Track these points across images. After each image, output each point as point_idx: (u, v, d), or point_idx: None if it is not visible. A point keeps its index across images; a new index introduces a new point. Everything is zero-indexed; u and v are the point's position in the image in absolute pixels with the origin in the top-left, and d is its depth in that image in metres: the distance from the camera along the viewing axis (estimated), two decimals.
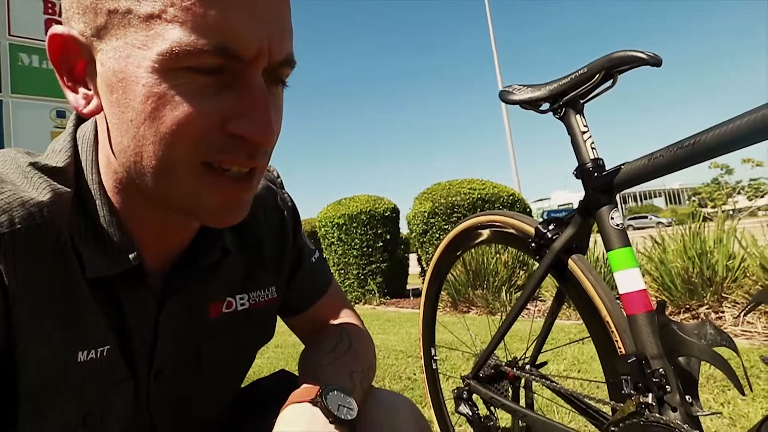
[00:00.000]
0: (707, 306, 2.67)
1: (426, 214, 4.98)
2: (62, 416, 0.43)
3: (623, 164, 0.71)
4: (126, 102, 0.38)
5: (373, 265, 5.43)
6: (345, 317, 0.67)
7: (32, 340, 0.40)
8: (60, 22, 0.41)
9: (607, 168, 0.75)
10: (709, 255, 2.74)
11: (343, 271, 5.59)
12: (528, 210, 5.72)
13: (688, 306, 2.72)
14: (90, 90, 0.41)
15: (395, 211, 5.68)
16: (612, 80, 0.73)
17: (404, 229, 5.84)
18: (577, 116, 0.77)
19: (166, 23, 0.35)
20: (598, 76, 0.72)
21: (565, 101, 0.78)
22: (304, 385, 0.50)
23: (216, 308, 0.54)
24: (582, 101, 0.78)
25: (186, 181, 0.40)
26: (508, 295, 3.81)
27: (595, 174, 0.74)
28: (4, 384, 0.40)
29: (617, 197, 0.76)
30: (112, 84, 0.38)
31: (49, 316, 0.41)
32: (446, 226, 4.86)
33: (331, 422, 0.45)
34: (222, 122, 0.38)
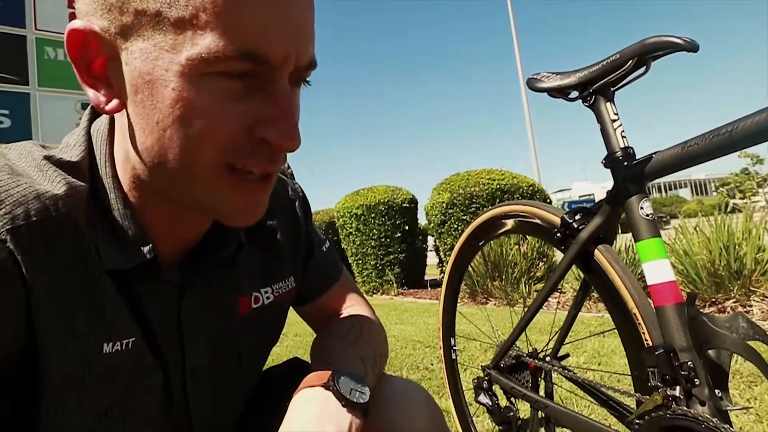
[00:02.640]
0: (734, 299, 2.60)
1: (444, 204, 4.95)
2: (84, 407, 0.44)
3: (655, 153, 0.69)
4: (152, 104, 0.38)
5: (391, 256, 5.44)
6: (356, 305, 0.68)
7: (56, 332, 0.40)
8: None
9: (637, 157, 0.73)
10: (737, 247, 2.66)
11: (361, 262, 5.62)
12: (548, 201, 5.63)
13: (714, 299, 2.66)
14: (112, 87, 0.40)
15: (413, 201, 5.67)
16: (645, 67, 0.71)
17: (422, 220, 5.82)
18: (608, 104, 0.75)
19: (197, 29, 0.35)
20: (630, 62, 0.70)
21: (596, 89, 0.76)
22: (317, 371, 0.51)
23: (245, 304, 0.55)
24: (613, 89, 0.76)
25: (209, 183, 0.40)
26: (527, 286, 3.78)
27: (625, 163, 0.73)
28: (26, 374, 0.41)
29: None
30: (137, 85, 0.38)
31: (73, 308, 0.41)
32: (465, 217, 4.82)
33: (343, 405, 0.46)
34: (248, 127, 0.39)
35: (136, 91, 0.38)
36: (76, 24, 0.39)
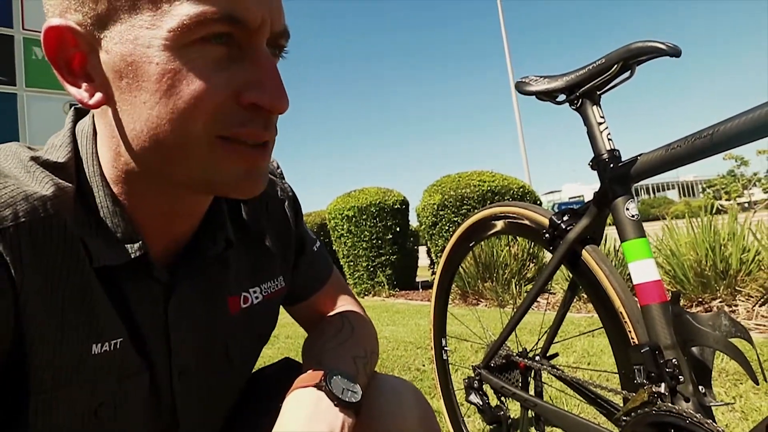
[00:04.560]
0: (720, 299, 2.65)
1: (435, 206, 4.97)
2: (74, 407, 0.44)
3: (640, 155, 0.71)
4: (138, 85, 0.38)
5: (383, 258, 5.44)
6: (346, 304, 0.69)
7: (45, 333, 0.40)
8: None
9: (623, 159, 0.75)
10: (722, 247, 2.70)
11: (352, 263, 5.61)
12: (538, 202, 5.68)
13: (700, 299, 2.70)
14: (93, 81, 0.40)
15: (405, 203, 5.68)
16: (630, 71, 0.73)
17: (414, 222, 5.84)
18: (594, 107, 0.77)
19: (173, 0, 0.36)
20: (615, 67, 0.72)
21: (582, 92, 0.77)
22: (309, 371, 0.51)
23: (234, 303, 0.55)
24: (599, 92, 0.78)
25: (204, 156, 0.40)
26: (517, 287, 3.81)
27: (611, 165, 0.74)
28: (15, 374, 0.41)
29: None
30: (120, 69, 0.38)
31: (62, 309, 0.41)
32: (456, 219, 4.85)
33: (335, 405, 0.46)
34: (236, 94, 0.39)
35: (120, 77, 0.38)
36: (53, 22, 0.39)
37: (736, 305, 2.59)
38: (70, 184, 0.43)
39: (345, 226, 5.60)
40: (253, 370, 0.66)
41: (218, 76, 0.38)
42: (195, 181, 0.42)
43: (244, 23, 0.38)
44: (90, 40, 0.39)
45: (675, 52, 0.65)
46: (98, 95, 0.40)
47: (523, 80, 0.86)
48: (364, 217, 5.45)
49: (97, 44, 0.39)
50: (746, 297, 2.59)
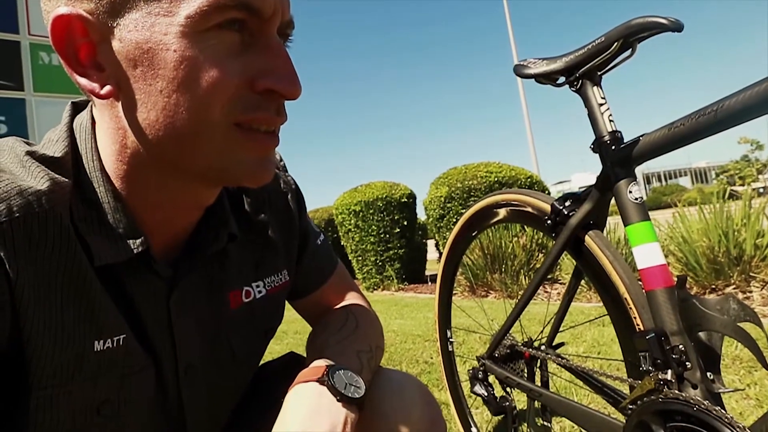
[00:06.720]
0: (734, 286, 2.60)
1: (442, 198, 4.94)
2: (75, 404, 0.43)
3: (642, 135, 0.68)
4: (153, 73, 0.38)
5: (391, 252, 5.43)
6: (351, 299, 0.68)
7: (44, 329, 0.40)
8: None
9: (625, 140, 0.72)
10: (736, 233, 2.65)
11: (360, 258, 5.62)
12: (547, 192, 5.62)
13: (714, 286, 2.65)
14: (104, 71, 0.40)
15: (412, 196, 5.65)
16: (631, 49, 0.70)
17: (421, 215, 5.81)
18: (594, 88, 0.75)
19: None
20: (615, 45, 0.69)
21: (582, 73, 0.75)
22: (312, 365, 0.51)
23: (236, 298, 0.54)
24: (599, 73, 0.75)
25: (219, 143, 0.41)
26: (526, 278, 3.77)
27: (613, 147, 0.72)
28: (15, 371, 0.40)
29: (640, 174, 0.74)
30: (135, 57, 0.38)
31: (61, 305, 0.41)
32: (463, 211, 4.81)
33: (338, 400, 0.46)
34: (250, 81, 0.40)
35: (135, 65, 0.38)
36: (61, 10, 0.38)
37: (750, 291, 2.54)
38: (67, 180, 0.42)
39: (352, 221, 5.59)
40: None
41: (233, 63, 0.39)
42: (210, 170, 0.42)
43: (258, 11, 0.39)
44: (101, 29, 0.38)
45: (677, 27, 0.63)
46: (109, 86, 0.40)
47: (522, 63, 0.84)
48: (371, 211, 5.44)
49: (110, 33, 0.38)
50: (761, 283, 2.54)
